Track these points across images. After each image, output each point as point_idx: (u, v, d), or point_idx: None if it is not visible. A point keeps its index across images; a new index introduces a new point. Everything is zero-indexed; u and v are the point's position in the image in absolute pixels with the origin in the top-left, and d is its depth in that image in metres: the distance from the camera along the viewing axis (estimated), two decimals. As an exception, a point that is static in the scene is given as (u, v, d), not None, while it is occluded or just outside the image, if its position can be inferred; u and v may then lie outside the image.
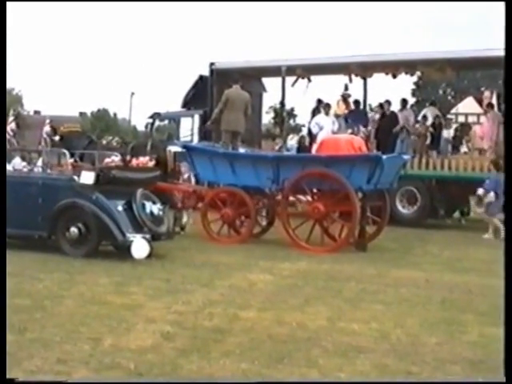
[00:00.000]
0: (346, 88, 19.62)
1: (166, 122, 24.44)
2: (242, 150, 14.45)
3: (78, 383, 4.84)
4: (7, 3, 6.56)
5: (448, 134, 19.54)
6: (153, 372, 5.03)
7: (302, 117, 22.46)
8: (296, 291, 8.11)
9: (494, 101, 19.18)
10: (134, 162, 12.49)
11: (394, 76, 18.42)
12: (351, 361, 5.42)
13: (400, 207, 16.45)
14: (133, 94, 29.81)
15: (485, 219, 14.96)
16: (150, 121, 22.04)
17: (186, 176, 13.92)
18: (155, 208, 10.44)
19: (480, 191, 14.86)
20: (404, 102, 18.99)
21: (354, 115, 19.08)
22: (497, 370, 5.28)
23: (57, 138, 20.73)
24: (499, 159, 15.54)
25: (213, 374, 5.02)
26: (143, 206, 10.28)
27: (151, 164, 13.36)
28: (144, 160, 12.96)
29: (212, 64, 19.33)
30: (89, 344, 5.61)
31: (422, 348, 5.83)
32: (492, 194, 14.57)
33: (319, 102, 19.79)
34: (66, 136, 19.79)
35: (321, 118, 18.35)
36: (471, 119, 22.97)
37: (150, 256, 9.82)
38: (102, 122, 65.68)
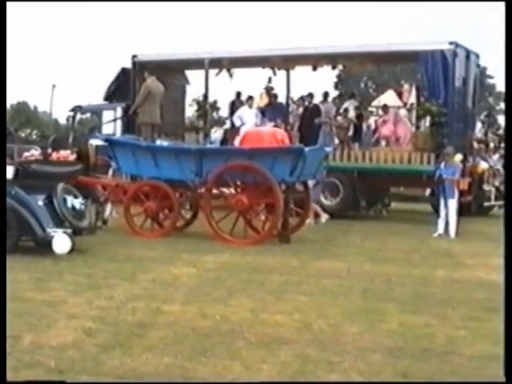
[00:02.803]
0: (270, 81, 19.74)
1: (89, 115, 24.10)
2: (164, 143, 14.36)
3: (78, 383, 4.75)
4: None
5: (368, 125, 19.95)
6: (74, 369, 4.95)
7: (226, 109, 22.48)
8: (219, 284, 8.13)
9: (414, 93, 19.69)
10: (55, 155, 12.27)
11: (315, 68, 18.62)
12: (274, 352, 5.45)
13: (323, 199, 16.61)
14: (54, 86, 29.08)
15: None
16: (72, 114, 21.70)
17: None
18: (77, 202, 10.28)
19: None
20: (325, 94, 19.18)
21: (272, 108, 19.19)
22: (415, 357, 5.42)
23: None
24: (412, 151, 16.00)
25: (135, 369, 4.99)
26: (64, 200, 10.11)
27: (72, 158, 13.15)
28: (65, 154, 12.75)
29: (134, 56, 19.16)
30: (8, 342, 5.48)
31: (343, 337, 5.92)
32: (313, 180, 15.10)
33: (238, 94, 19.88)
34: None
35: (244, 110, 18.41)
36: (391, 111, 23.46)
37: (71, 251, 9.64)
38: (22, 115, 64.15)
